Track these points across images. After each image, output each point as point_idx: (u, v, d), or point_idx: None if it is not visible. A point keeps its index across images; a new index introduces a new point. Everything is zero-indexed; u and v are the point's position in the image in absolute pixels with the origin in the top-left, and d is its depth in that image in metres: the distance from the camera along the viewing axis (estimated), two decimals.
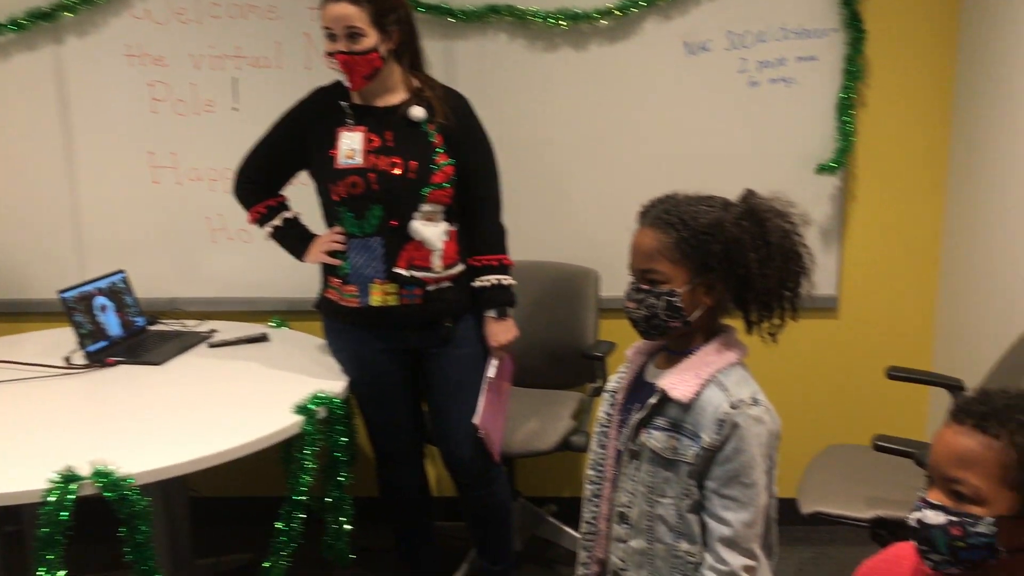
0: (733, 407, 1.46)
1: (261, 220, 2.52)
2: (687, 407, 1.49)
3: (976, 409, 1.15)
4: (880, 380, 2.76)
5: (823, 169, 3.02)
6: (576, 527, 3.07)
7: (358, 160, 2.31)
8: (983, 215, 2.83)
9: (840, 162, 3.00)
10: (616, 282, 3.01)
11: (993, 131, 2.76)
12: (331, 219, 2.44)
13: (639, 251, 1.52)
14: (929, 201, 3.10)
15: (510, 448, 2.67)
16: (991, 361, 2.53)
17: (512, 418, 2.71)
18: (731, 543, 1.47)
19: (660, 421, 1.53)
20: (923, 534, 1.16)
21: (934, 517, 1.14)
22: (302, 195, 2.54)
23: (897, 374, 2.69)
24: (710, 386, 1.48)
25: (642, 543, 1.56)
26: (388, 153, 2.31)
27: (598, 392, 2.90)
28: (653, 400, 1.53)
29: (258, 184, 2.51)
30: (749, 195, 1.51)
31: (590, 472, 1.70)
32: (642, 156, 3.06)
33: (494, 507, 2.61)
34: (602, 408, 1.69)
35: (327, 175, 2.35)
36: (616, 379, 1.68)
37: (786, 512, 1.69)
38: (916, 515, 1.17)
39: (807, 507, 2.35)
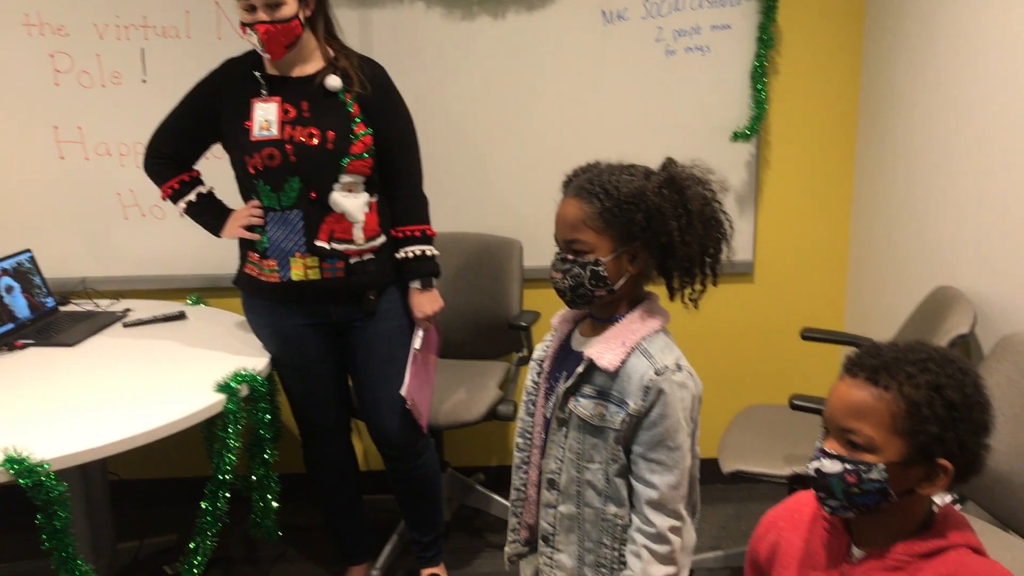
0: (658, 374, 1.48)
1: (174, 196, 2.45)
2: (613, 375, 1.51)
3: (868, 363, 1.20)
4: (795, 341, 2.85)
5: (738, 136, 3.07)
6: (504, 495, 3.11)
7: (274, 132, 2.27)
8: (891, 179, 2.92)
9: (754, 129, 3.06)
10: (539, 252, 3.08)
11: (900, 96, 2.84)
12: (247, 193, 2.39)
13: (564, 221, 1.53)
14: (840, 166, 3.18)
15: (437, 419, 2.67)
16: (900, 320, 2.63)
17: (439, 389, 2.71)
18: (658, 505, 1.50)
19: (587, 389, 1.55)
20: (821, 482, 1.21)
21: (831, 466, 1.20)
22: (217, 169, 2.48)
23: (811, 335, 2.78)
24: (635, 354, 1.51)
25: (571, 508, 1.59)
26: (305, 124, 2.27)
27: (524, 362, 2.92)
28: (580, 369, 1.55)
29: (170, 159, 2.43)
30: (669, 164, 1.52)
31: (518, 440, 1.72)
32: (561, 125, 3.07)
33: (423, 479, 2.61)
34: (529, 376, 1.70)
35: (242, 148, 2.29)
36: (542, 348, 1.70)
37: (707, 471, 1.73)
38: (815, 464, 1.22)
39: (727, 466, 2.41)
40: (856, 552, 1.26)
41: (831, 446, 1.21)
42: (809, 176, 3.19)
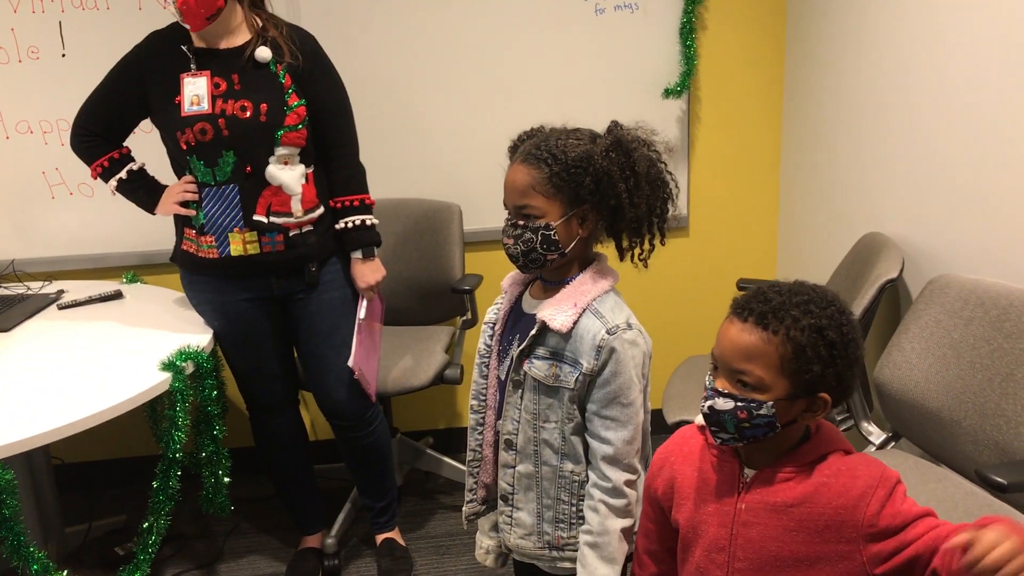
0: (609, 333, 1.52)
1: (105, 174, 2.40)
2: (566, 336, 1.54)
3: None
4: (731, 292, 2.90)
5: (669, 93, 3.11)
6: (455, 457, 3.18)
7: (205, 106, 2.23)
8: (819, 130, 2.99)
9: (684, 86, 3.11)
10: (479, 215, 3.09)
11: (826, 48, 2.91)
12: (180, 168, 2.35)
13: (513, 187, 1.55)
14: (768, 119, 3.25)
15: (386, 387, 2.69)
16: (831, 267, 2.72)
17: (385, 357, 2.73)
18: (613, 460, 1.55)
19: (541, 351, 1.58)
20: (714, 418, 1.29)
21: (723, 404, 1.27)
22: (147, 144, 2.43)
23: (746, 286, 2.83)
24: (587, 314, 1.54)
25: (529, 467, 1.62)
26: (236, 97, 2.23)
27: (469, 325, 2.95)
28: (533, 332, 1.57)
29: (98, 136, 2.37)
30: (615, 127, 1.55)
31: (473, 402, 1.75)
32: (494, 87, 3.06)
33: (373, 447, 2.63)
34: (481, 340, 1.73)
35: (173, 123, 2.25)
36: (493, 310, 1.72)
37: (651, 422, 1.78)
38: (708, 403, 1.29)
39: (671, 416, 2.48)
40: (747, 473, 1.34)
41: (723, 385, 1.28)
42: (739, 130, 3.25)
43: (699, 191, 3.28)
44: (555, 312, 1.54)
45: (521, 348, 1.59)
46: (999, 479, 1.62)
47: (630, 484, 1.57)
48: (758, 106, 3.23)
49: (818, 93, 2.97)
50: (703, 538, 1.37)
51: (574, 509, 1.61)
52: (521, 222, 1.54)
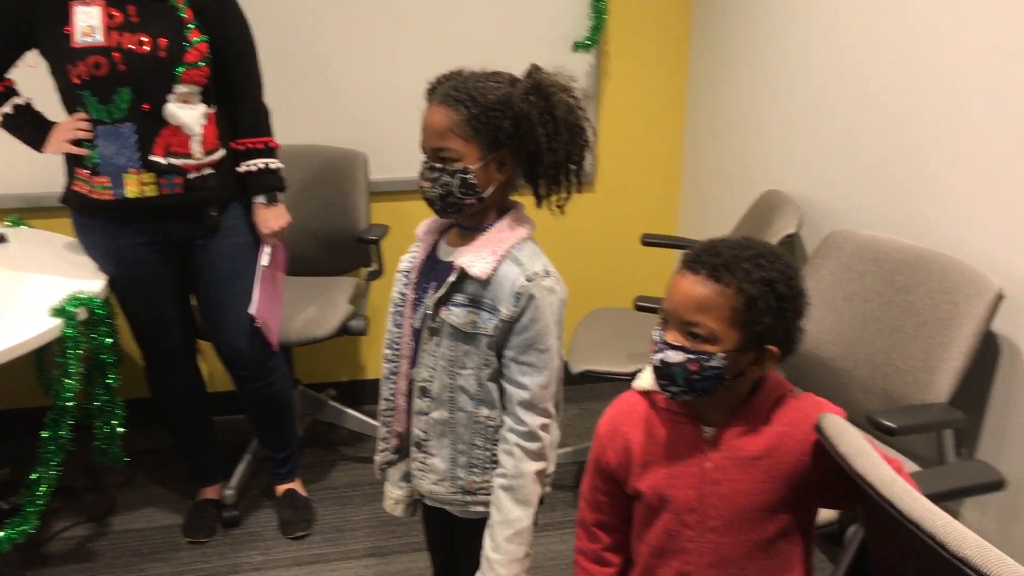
0: (528, 280, 1.52)
1: None
2: (485, 283, 1.53)
3: (708, 260, 1.28)
4: (635, 246, 2.97)
5: (579, 46, 3.11)
6: (357, 409, 3.15)
7: (99, 38, 2.11)
8: (722, 90, 3.05)
9: (594, 40, 3.11)
10: (385, 164, 3.05)
11: (730, 8, 2.95)
12: (72, 104, 2.23)
13: (431, 129, 1.51)
14: (674, 77, 3.29)
15: (289, 337, 2.64)
16: (731, 224, 2.78)
17: (288, 306, 2.67)
18: (529, 405, 1.56)
19: (458, 298, 1.56)
20: (664, 371, 1.30)
21: (674, 356, 1.28)
22: (32, 79, 2.30)
23: (651, 240, 2.90)
24: (506, 262, 1.53)
25: (444, 413, 1.62)
26: (133, 30, 2.12)
27: (374, 276, 2.91)
28: (452, 279, 1.56)
29: None
30: (535, 70, 1.52)
31: (386, 351, 1.72)
32: (403, 36, 3.00)
33: (275, 397, 2.59)
34: (395, 288, 1.70)
35: (63, 56, 2.13)
36: (408, 259, 1.69)
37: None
38: (659, 355, 1.30)
39: (576, 367, 2.52)
40: (707, 431, 1.36)
41: (674, 338, 1.29)
42: (646, 87, 3.28)
43: (606, 146, 3.31)
44: (474, 259, 1.53)
45: (439, 295, 1.58)
46: (889, 423, 1.71)
47: (545, 428, 1.58)
48: (665, 62, 3.26)
49: (722, 51, 3.02)
50: (672, 502, 1.38)
51: (488, 454, 1.62)
52: (439, 165, 1.51)
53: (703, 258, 1.29)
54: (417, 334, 1.65)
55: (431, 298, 1.59)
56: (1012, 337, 1.87)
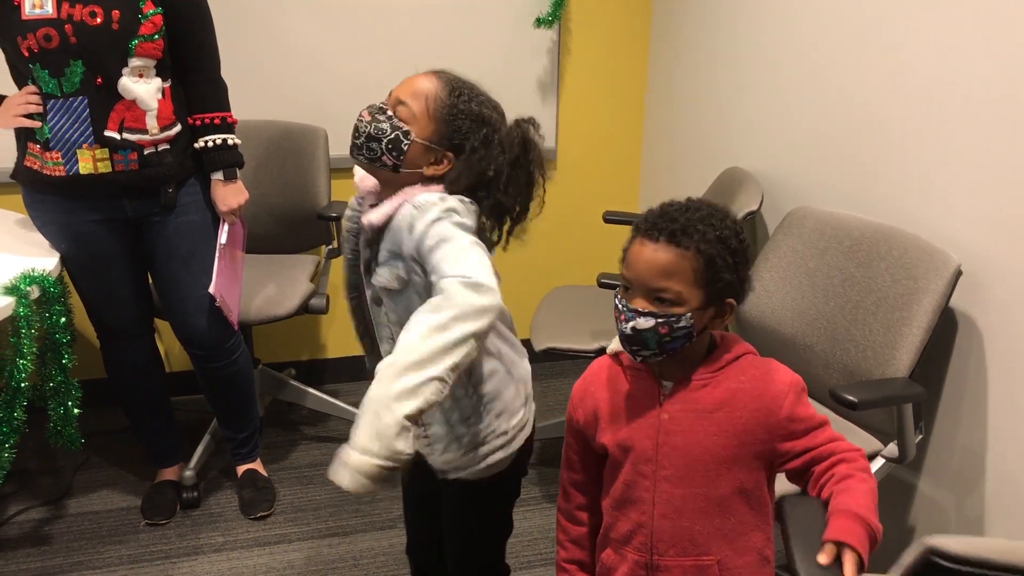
0: (416, 208, 1.45)
1: None
2: (390, 233, 1.50)
3: (665, 226, 1.32)
4: (596, 224, 2.97)
5: (540, 22, 3.09)
6: (318, 388, 3.12)
7: (48, 9, 2.05)
8: (683, 67, 3.05)
9: (555, 16, 3.09)
10: (346, 140, 2.94)
11: None
12: (22, 78, 2.17)
13: (408, 86, 1.53)
14: (635, 54, 3.28)
15: (248, 315, 2.60)
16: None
17: (248, 284, 2.63)
18: (469, 285, 1.36)
19: (382, 256, 1.54)
20: (637, 338, 1.33)
21: (644, 322, 1.31)
22: None
23: (613, 218, 2.90)
24: (404, 206, 1.48)
25: None
26: (85, 1, 2.06)
27: (334, 254, 2.88)
28: (364, 239, 1.55)
29: None
30: (523, 121, 1.57)
31: (350, 297, 1.71)
32: (363, 11, 2.95)
33: (235, 377, 2.55)
34: (347, 247, 1.68)
35: (12, 27, 2.06)
36: (353, 218, 1.65)
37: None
38: (630, 324, 1.33)
39: (539, 344, 2.51)
40: (666, 385, 1.40)
41: (641, 304, 1.32)
42: (607, 63, 3.27)
43: (567, 123, 3.30)
44: (373, 212, 1.51)
45: (365, 261, 1.56)
46: (851, 398, 1.73)
47: (471, 288, 1.34)
48: (626, 40, 3.25)
49: (683, 29, 3.02)
50: (631, 452, 1.41)
51: (472, 400, 1.60)
52: (390, 112, 1.52)
53: (660, 224, 1.33)
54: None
55: (362, 267, 1.57)
56: (970, 313, 1.90)
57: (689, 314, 1.31)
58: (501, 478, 1.69)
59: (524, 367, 1.69)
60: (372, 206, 1.58)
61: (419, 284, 1.51)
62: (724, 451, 1.36)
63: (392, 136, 1.50)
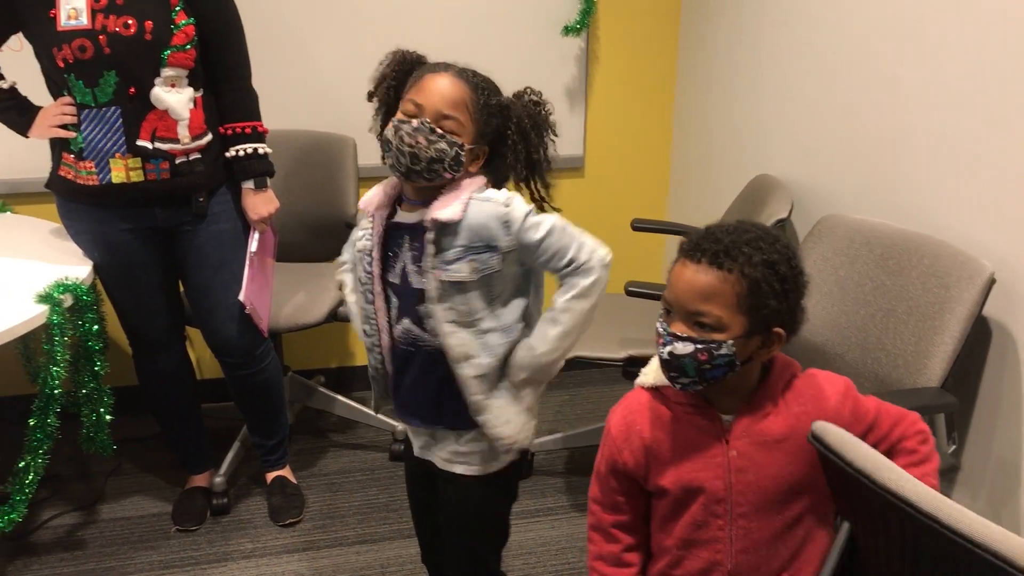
0: (506, 206, 1.54)
1: None
2: (460, 226, 1.53)
3: (709, 247, 1.27)
4: (624, 232, 2.96)
5: (568, 30, 3.09)
6: (347, 395, 3.14)
7: (83, 20, 2.08)
8: (712, 73, 3.04)
9: (584, 24, 3.09)
10: (373, 149, 2.97)
11: None
12: (57, 88, 2.20)
13: (445, 95, 1.53)
14: (664, 61, 3.27)
15: (278, 323, 2.62)
16: (721, 208, 2.78)
17: (278, 293, 2.65)
18: (577, 270, 1.58)
19: (450, 254, 1.55)
20: (674, 363, 1.29)
21: (683, 348, 1.27)
22: (17, 63, 2.26)
23: (641, 225, 2.89)
24: (472, 203, 1.55)
25: (487, 360, 1.61)
26: (118, 12, 2.09)
27: None
28: (431, 236, 1.54)
29: None
30: (526, 91, 1.63)
31: (365, 327, 1.70)
32: (391, 18, 2.98)
33: (265, 384, 2.57)
34: (359, 270, 1.67)
35: (48, 39, 2.09)
36: (364, 240, 1.65)
37: None
38: (668, 349, 1.28)
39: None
40: (725, 419, 1.35)
41: (680, 328, 1.27)
42: (636, 71, 3.26)
43: (595, 131, 3.29)
44: (441, 207, 1.54)
45: (431, 263, 1.56)
46: None
47: (603, 267, 1.60)
48: (654, 47, 3.24)
49: (712, 36, 3.01)
50: (699, 494, 1.36)
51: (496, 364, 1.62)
52: (440, 131, 1.52)
53: (703, 245, 1.28)
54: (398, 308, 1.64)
55: (427, 264, 1.56)
56: (1004, 321, 1.87)
57: (731, 341, 1.25)
58: (498, 477, 1.70)
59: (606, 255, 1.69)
60: (389, 214, 1.63)
61: (493, 275, 1.57)
62: (798, 477, 1.33)
63: (453, 154, 1.52)
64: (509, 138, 1.59)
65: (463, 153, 1.54)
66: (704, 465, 1.35)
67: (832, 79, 2.37)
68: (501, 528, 1.83)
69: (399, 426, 2.91)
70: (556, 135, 1.65)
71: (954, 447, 1.93)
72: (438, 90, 1.54)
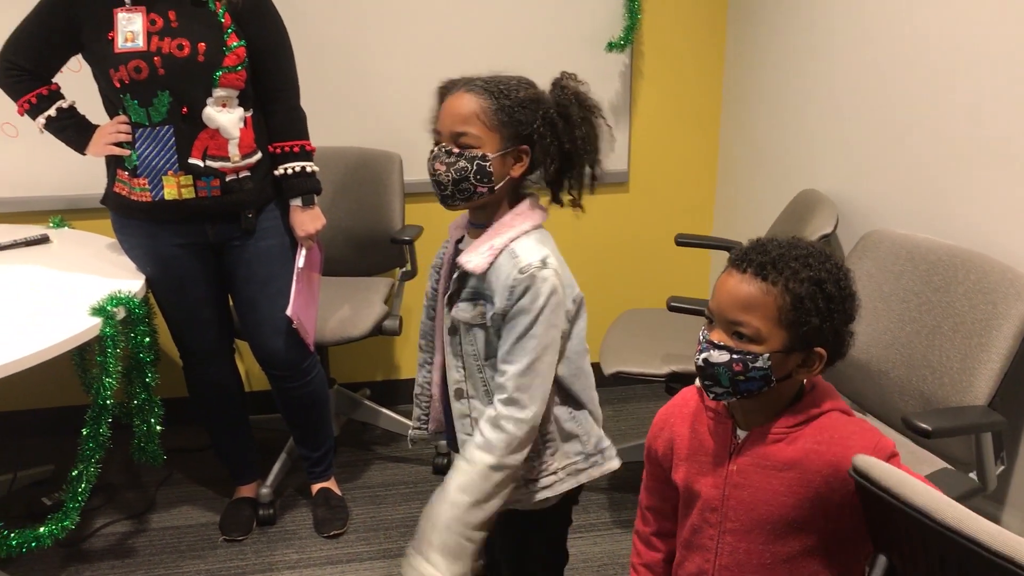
0: (521, 272, 1.50)
1: (32, 111, 2.30)
2: (483, 276, 1.54)
3: (755, 259, 1.26)
4: (668, 247, 2.96)
5: (612, 47, 3.11)
6: (392, 409, 3.17)
7: (140, 43, 2.15)
8: (758, 89, 3.03)
9: (628, 40, 3.10)
10: (419, 165, 2.95)
11: (766, 6, 2.93)
12: (113, 108, 2.28)
13: (455, 113, 1.53)
14: (709, 76, 3.27)
15: (324, 337, 2.66)
16: (766, 223, 2.76)
17: (324, 307, 2.70)
18: (500, 389, 1.53)
19: (465, 293, 1.58)
20: (708, 371, 1.28)
21: (718, 356, 1.26)
22: (77, 83, 2.34)
23: (684, 240, 2.88)
24: (504, 254, 1.53)
25: (483, 408, 1.62)
26: (173, 35, 2.16)
27: (408, 276, 2.93)
28: (455, 275, 1.58)
29: (25, 71, 2.27)
30: (564, 77, 1.58)
31: (421, 341, 1.74)
32: (437, 37, 3.02)
33: (311, 397, 2.61)
34: (428, 283, 1.73)
35: (106, 60, 2.17)
36: (439, 255, 1.72)
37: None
38: (703, 355, 1.28)
39: (608, 368, 2.51)
40: (740, 433, 1.35)
41: (718, 337, 1.27)
42: (680, 86, 3.26)
43: (639, 146, 3.30)
44: (472, 255, 1.55)
45: (449, 293, 1.60)
46: (924, 425, 1.68)
47: (513, 423, 1.51)
48: (700, 62, 3.24)
49: (758, 51, 3.00)
50: (699, 499, 1.37)
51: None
52: (457, 149, 1.52)
53: (750, 256, 1.27)
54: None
55: (443, 298, 1.60)
56: None
57: (768, 355, 1.23)
58: (552, 508, 1.69)
59: (522, 433, 1.56)
60: (459, 240, 1.65)
61: (489, 332, 1.56)
62: (793, 513, 1.29)
63: (475, 168, 1.52)
64: (535, 132, 1.53)
65: (488, 163, 1.52)
66: (708, 472, 1.37)
67: (879, 93, 2.35)
68: (557, 554, 1.83)
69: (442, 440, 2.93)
70: (601, 117, 1.59)
71: (1002, 467, 1.89)
72: (448, 111, 1.55)
